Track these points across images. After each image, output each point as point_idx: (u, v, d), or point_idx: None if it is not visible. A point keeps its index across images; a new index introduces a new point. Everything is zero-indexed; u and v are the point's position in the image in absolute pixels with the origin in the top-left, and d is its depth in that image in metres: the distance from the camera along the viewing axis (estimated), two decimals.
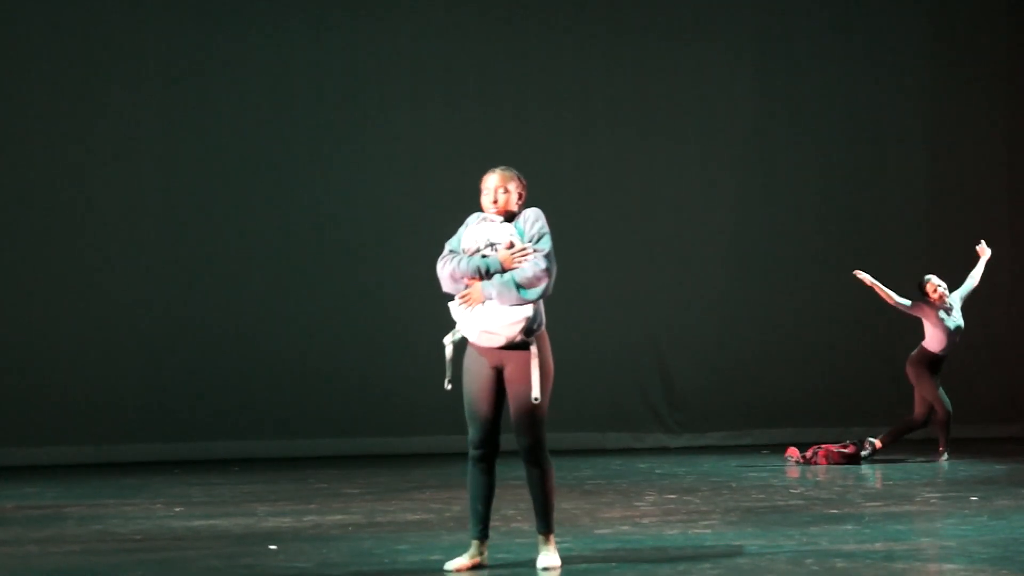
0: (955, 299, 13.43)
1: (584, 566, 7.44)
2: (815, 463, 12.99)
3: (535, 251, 7.10)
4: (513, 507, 9.27)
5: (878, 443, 13.33)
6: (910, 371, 13.40)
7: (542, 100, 14.56)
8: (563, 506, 9.38)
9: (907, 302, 13.31)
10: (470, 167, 14.08)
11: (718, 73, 15.31)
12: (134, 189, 13.13)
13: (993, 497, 10.39)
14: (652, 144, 15.02)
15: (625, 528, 8.78)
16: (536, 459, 7.18)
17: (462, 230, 7.34)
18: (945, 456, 13.38)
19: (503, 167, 7.40)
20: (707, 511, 9.62)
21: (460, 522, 8.97)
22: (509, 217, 7.30)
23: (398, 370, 13.83)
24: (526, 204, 7.39)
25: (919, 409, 13.33)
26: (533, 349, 7.08)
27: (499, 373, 7.19)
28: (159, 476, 11.68)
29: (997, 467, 12.78)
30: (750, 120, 15.47)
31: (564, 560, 7.42)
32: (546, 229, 7.18)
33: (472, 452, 7.25)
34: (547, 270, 7.06)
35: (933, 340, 13.34)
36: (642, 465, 12.94)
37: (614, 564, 7.53)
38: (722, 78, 15.32)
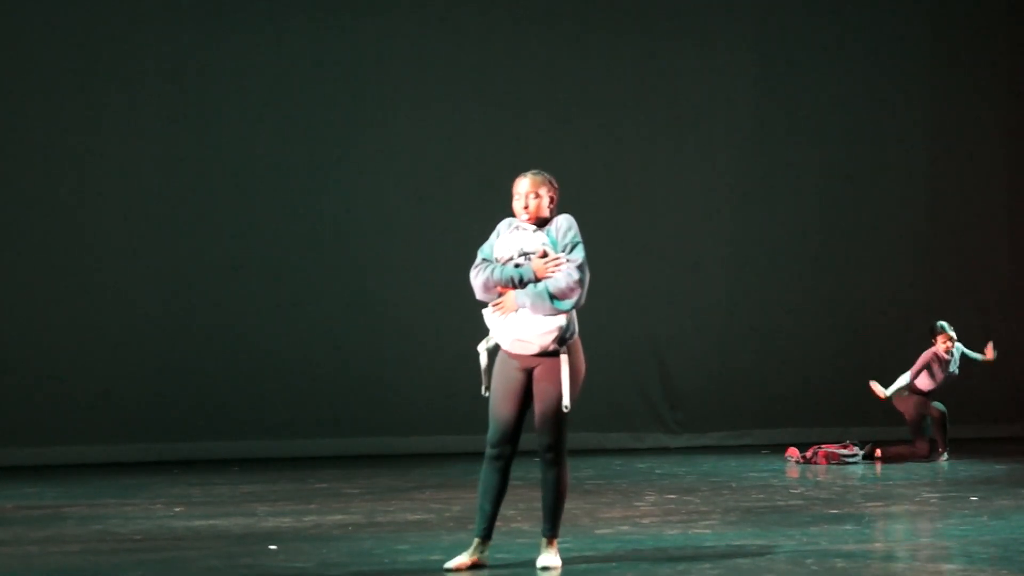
0: (958, 349, 13.44)
1: (584, 566, 7.45)
2: (815, 463, 12.99)
3: (568, 261, 7.12)
4: (513, 507, 9.26)
5: (879, 451, 13.34)
6: (898, 404, 13.41)
7: (542, 101, 14.55)
8: (564, 506, 9.37)
9: (915, 369, 13.29)
10: (471, 168, 14.19)
11: (718, 74, 15.30)
12: (134, 189, 13.12)
13: (993, 497, 10.39)
14: (652, 145, 15.02)
15: (625, 528, 8.78)
16: (554, 460, 7.21)
17: (493, 237, 7.31)
18: (945, 456, 13.39)
19: (534, 171, 7.34)
20: (707, 511, 9.62)
21: (460, 522, 8.97)
22: (541, 222, 7.29)
23: (398, 370, 13.83)
24: (559, 208, 7.37)
25: (919, 442, 13.36)
26: (564, 356, 7.12)
27: (528, 375, 7.21)
28: (159, 476, 11.68)
29: (997, 467, 12.79)
30: (750, 121, 15.47)
31: (564, 560, 7.43)
32: (579, 238, 7.20)
33: (489, 451, 7.26)
34: (580, 281, 7.10)
35: (923, 379, 13.35)
36: (642, 465, 12.94)
37: (614, 564, 7.53)
38: (722, 80, 15.32)
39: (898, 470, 12.62)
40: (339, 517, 9.25)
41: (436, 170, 14.10)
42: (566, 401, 7.09)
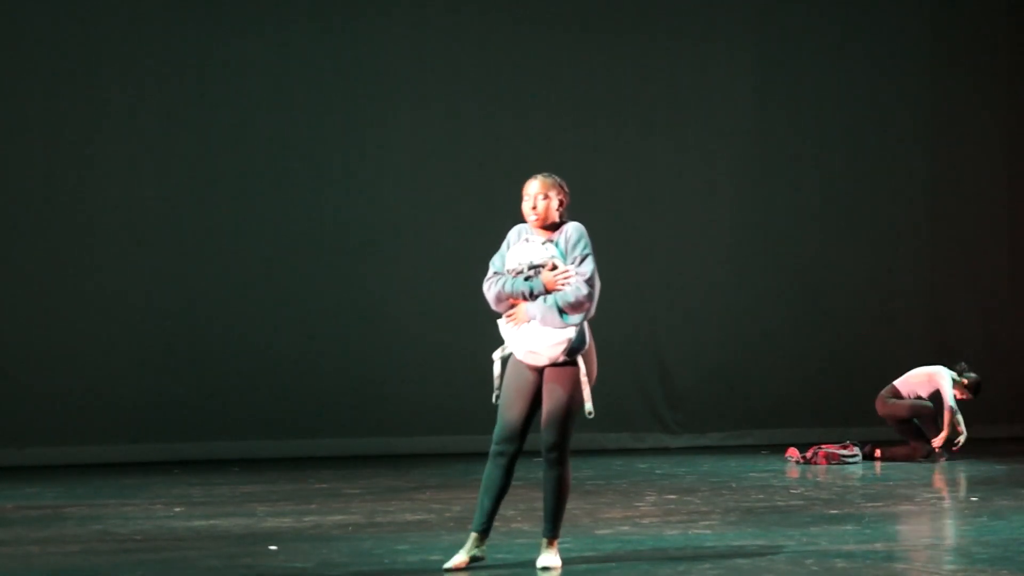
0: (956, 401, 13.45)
1: (584, 566, 7.45)
2: (815, 463, 12.99)
3: (577, 274, 7.15)
4: (513, 507, 9.26)
5: (879, 451, 13.34)
6: (894, 410, 13.38)
7: (543, 101, 14.54)
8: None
9: (949, 399, 13.26)
10: (471, 168, 14.18)
11: (718, 74, 15.30)
12: (134, 189, 13.12)
13: (993, 497, 10.39)
14: (652, 144, 15.02)
15: (625, 528, 8.78)
16: (557, 460, 7.25)
17: (504, 248, 7.36)
18: (945, 456, 13.39)
19: (545, 174, 7.39)
20: (707, 511, 9.62)
21: (460, 522, 8.97)
22: (550, 227, 7.32)
23: (398, 370, 13.83)
24: (570, 212, 7.42)
25: (914, 442, 13.36)
26: (582, 366, 7.19)
27: (540, 377, 7.28)
28: (159, 476, 11.67)
29: (997, 467, 12.79)
30: (750, 120, 15.46)
31: (564, 560, 7.43)
32: (588, 250, 7.24)
33: (494, 447, 7.32)
34: (589, 295, 7.15)
35: (924, 393, 13.33)
36: (642, 465, 12.94)
37: (614, 564, 7.54)
38: (722, 79, 15.32)
39: (898, 470, 12.62)
40: (339, 517, 9.24)
41: (437, 170, 14.09)
42: (588, 407, 7.18)
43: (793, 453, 13.25)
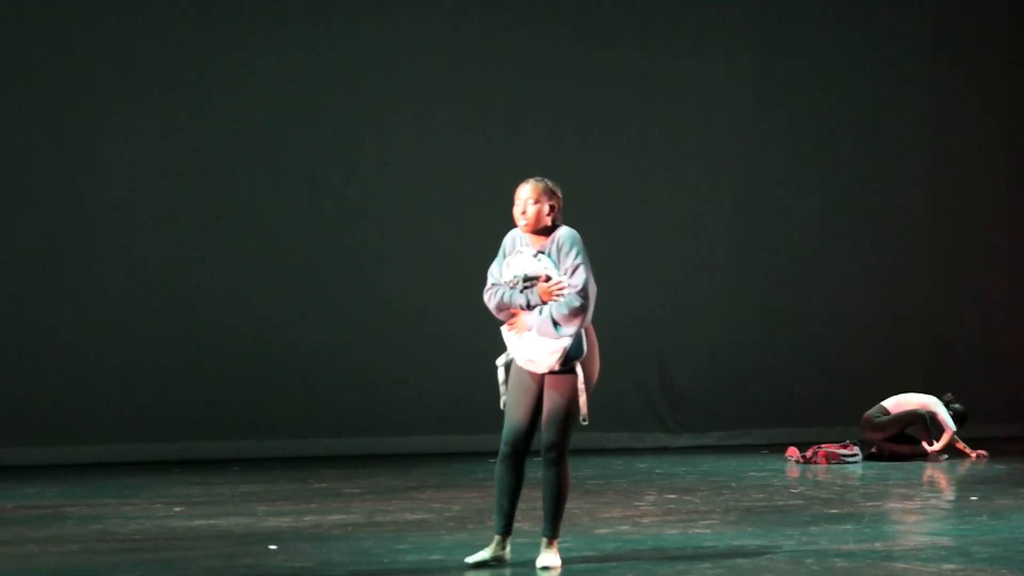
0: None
1: (584, 566, 7.45)
2: (815, 462, 12.99)
3: (569, 286, 7.22)
4: None
5: (875, 450, 13.35)
6: (884, 427, 13.41)
7: (543, 101, 14.54)
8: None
9: (949, 422, 13.37)
10: (472, 169, 14.17)
11: (718, 74, 15.29)
12: (134, 189, 13.11)
13: (993, 497, 10.40)
14: (652, 145, 15.01)
15: (625, 528, 8.78)
16: (556, 460, 7.32)
17: (500, 257, 7.43)
18: (945, 456, 13.40)
19: (537, 178, 7.41)
20: (707, 511, 9.62)
21: (460, 522, 8.98)
22: (542, 231, 7.35)
23: (398, 370, 13.83)
24: (566, 214, 7.48)
25: (913, 445, 13.41)
26: (580, 373, 7.26)
27: (542, 379, 7.37)
28: (159, 476, 11.67)
29: (997, 467, 12.79)
30: (750, 121, 15.45)
31: (564, 560, 7.44)
32: (580, 258, 7.27)
33: (503, 448, 7.41)
34: (582, 307, 7.20)
35: (920, 415, 13.37)
36: (642, 465, 12.94)
37: (614, 564, 7.54)
38: (722, 80, 15.31)
39: (898, 470, 12.62)
40: (339, 517, 9.25)
41: (437, 171, 14.08)
42: (583, 414, 7.27)
43: (793, 452, 13.25)
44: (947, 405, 13.53)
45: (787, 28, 15.63)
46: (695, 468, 12.61)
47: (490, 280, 7.41)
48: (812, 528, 8.76)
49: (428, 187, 14.07)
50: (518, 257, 7.34)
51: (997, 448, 14.10)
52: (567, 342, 7.20)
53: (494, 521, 7.48)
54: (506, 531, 7.43)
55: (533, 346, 7.24)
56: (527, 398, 7.35)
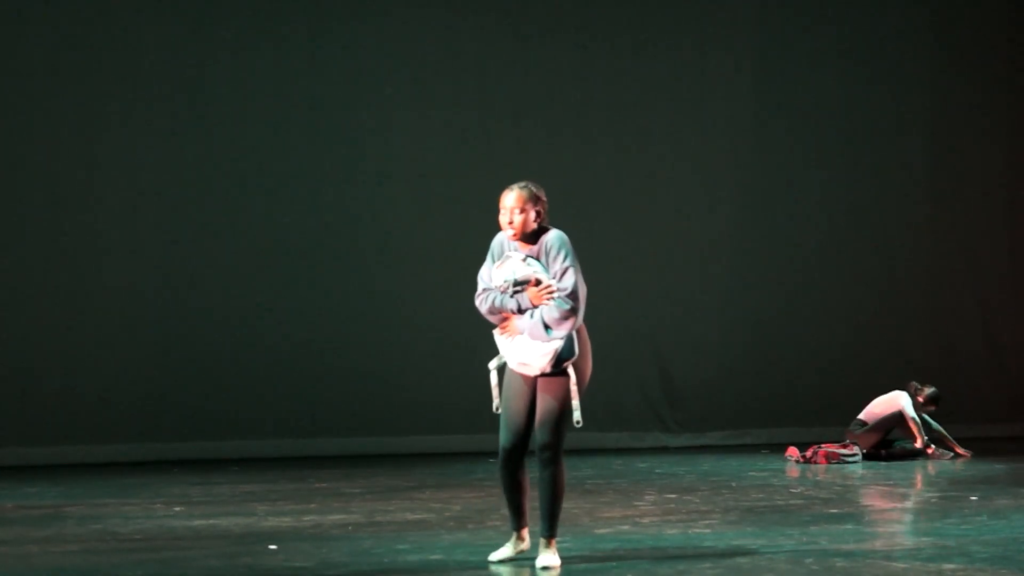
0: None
1: (584, 566, 7.46)
2: (815, 462, 12.99)
3: (559, 289, 7.25)
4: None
5: (883, 451, 13.37)
6: (868, 438, 13.41)
7: (543, 101, 14.53)
8: (563, 505, 9.37)
9: (908, 410, 13.40)
10: (475, 170, 14.16)
11: (718, 73, 15.28)
12: (134, 189, 13.11)
13: (993, 497, 10.39)
14: (652, 143, 15.00)
15: (625, 528, 8.79)
16: (551, 459, 7.37)
17: (489, 261, 7.48)
18: (950, 456, 13.40)
19: (521, 185, 7.43)
20: (707, 511, 9.62)
21: (460, 522, 8.98)
22: (529, 236, 7.39)
23: (398, 370, 13.82)
24: (550, 217, 7.51)
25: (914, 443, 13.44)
26: (572, 375, 7.33)
27: (535, 384, 7.43)
28: (159, 476, 11.67)
29: (997, 467, 12.78)
30: (750, 122, 15.44)
31: (564, 560, 7.44)
32: (569, 261, 7.32)
33: (502, 452, 7.48)
34: (572, 310, 7.25)
35: (896, 415, 13.40)
36: (642, 465, 12.94)
37: (614, 564, 7.54)
38: (722, 79, 15.30)
39: (898, 470, 12.63)
40: (339, 517, 9.25)
41: (437, 171, 14.07)
42: (577, 416, 7.33)
43: (793, 452, 13.25)
44: (916, 393, 13.50)
45: (787, 29, 15.63)
46: (695, 468, 12.61)
47: (480, 285, 7.47)
48: (812, 528, 8.76)
49: (428, 187, 14.06)
50: (507, 261, 7.39)
51: (997, 448, 14.10)
52: (559, 344, 7.26)
53: (509, 521, 7.57)
54: (521, 526, 7.53)
55: (525, 349, 7.29)
56: (522, 401, 7.40)
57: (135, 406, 12.98)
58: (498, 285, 7.37)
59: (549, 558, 7.36)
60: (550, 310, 7.24)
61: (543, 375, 7.33)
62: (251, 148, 13.50)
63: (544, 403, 7.33)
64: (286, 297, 13.53)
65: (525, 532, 7.55)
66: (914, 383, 13.64)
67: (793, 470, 12.61)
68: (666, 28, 15.08)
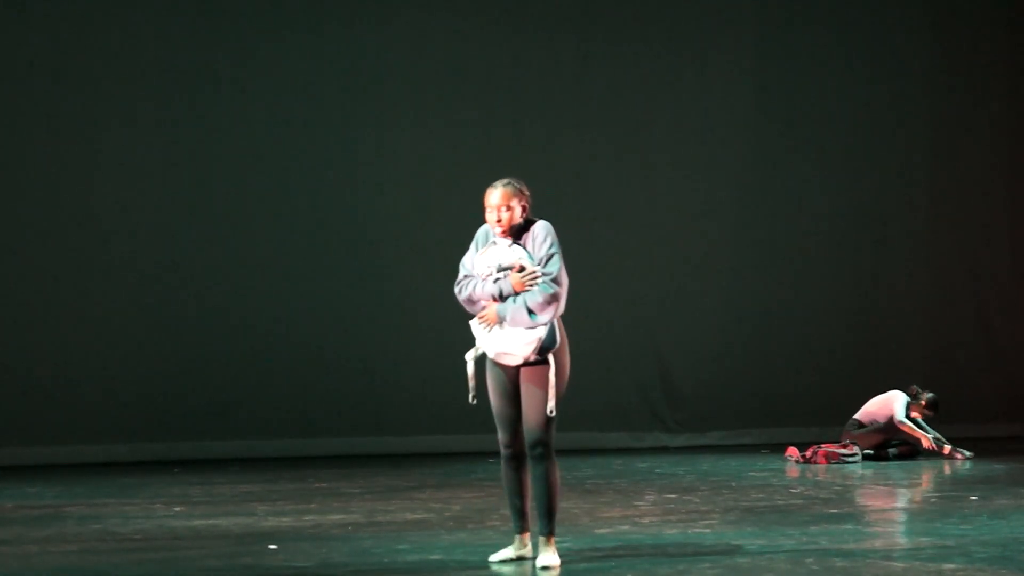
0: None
1: (584, 566, 7.46)
2: (815, 462, 12.99)
3: (543, 274, 7.24)
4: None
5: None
6: (869, 438, 13.41)
7: (543, 101, 14.54)
8: (563, 505, 9.36)
9: (898, 415, 13.35)
10: (472, 172, 14.13)
11: (718, 75, 15.28)
12: (133, 189, 13.12)
13: (993, 497, 10.39)
14: (652, 144, 15.00)
15: (625, 527, 8.79)
16: (543, 455, 7.36)
17: (473, 249, 7.48)
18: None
19: (504, 182, 7.45)
20: (707, 511, 9.62)
21: (460, 521, 8.98)
22: (516, 231, 7.40)
23: (398, 370, 13.83)
24: (533, 211, 7.50)
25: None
26: (552, 364, 7.30)
27: (516, 376, 7.40)
28: (159, 476, 11.68)
29: (997, 467, 12.78)
30: (750, 122, 15.44)
31: (564, 559, 7.44)
32: (554, 249, 7.33)
33: (503, 451, 7.50)
34: (556, 295, 7.25)
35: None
36: (641, 465, 12.94)
37: (614, 564, 7.54)
38: (722, 80, 15.30)
39: (898, 470, 12.63)
40: (339, 517, 9.25)
41: (437, 171, 14.07)
42: (551, 405, 7.27)
43: (793, 452, 13.25)
44: (916, 397, 13.49)
45: (787, 29, 15.62)
46: (695, 468, 12.61)
47: (462, 272, 7.46)
48: (812, 528, 8.76)
49: (428, 187, 14.06)
50: (493, 248, 7.39)
51: (997, 448, 14.10)
52: (542, 331, 7.25)
53: (511, 521, 7.57)
54: (524, 529, 7.52)
55: (507, 337, 7.27)
56: (508, 396, 7.39)
57: (135, 406, 12.98)
58: (480, 273, 7.36)
59: (549, 557, 7.36)
60: (534, 295, 7.22)
61: (525, 364, 7.30)
62: (251, 148, 13.50)
63: (531, 397, 7.30)
64: (286, 297, 13.53)
65: (527, 537, 7.53)
66: (915, 387, 13.63)
67: (793, 470, 12.61)
68: (666, 28, 15.08)
